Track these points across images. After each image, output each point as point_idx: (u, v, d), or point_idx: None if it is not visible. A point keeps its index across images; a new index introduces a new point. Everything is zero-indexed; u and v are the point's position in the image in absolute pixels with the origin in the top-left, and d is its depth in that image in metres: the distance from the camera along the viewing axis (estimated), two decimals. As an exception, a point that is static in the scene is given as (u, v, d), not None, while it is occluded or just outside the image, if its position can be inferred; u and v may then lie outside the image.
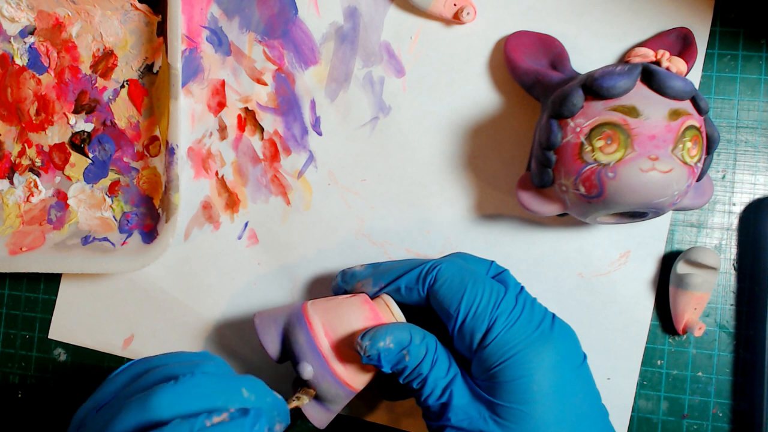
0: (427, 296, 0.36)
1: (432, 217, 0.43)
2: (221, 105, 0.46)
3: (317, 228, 0.45)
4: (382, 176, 0.44)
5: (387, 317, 0.36)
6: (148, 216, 0.47)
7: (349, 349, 0.35)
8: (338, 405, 0.37)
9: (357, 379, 0.36)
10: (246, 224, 0.46)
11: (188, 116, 0.46)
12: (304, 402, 0.36)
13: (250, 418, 0.29)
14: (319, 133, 0.45)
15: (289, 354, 0.37)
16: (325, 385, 0.35)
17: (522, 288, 0.36)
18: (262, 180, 0.45)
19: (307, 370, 0.35)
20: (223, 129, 0.46)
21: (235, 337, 0.46)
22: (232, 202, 0.46)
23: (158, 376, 0.31)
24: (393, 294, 0.37)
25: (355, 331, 0.36)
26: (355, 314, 0.36)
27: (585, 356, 0.35)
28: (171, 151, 0.44)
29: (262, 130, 0.45)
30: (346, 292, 0.39)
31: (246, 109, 0.45)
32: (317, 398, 0.37)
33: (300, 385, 0.37)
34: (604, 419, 0.34)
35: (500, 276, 0.37)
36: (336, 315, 0.36)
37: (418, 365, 0.34)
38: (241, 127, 0.46)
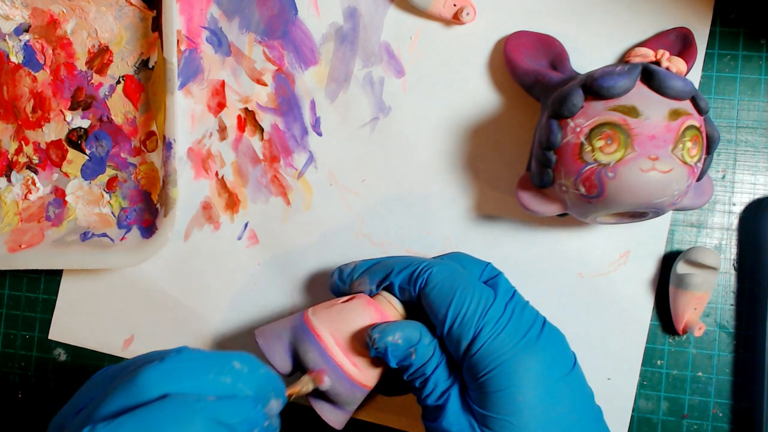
0: (419, 297, 0.36)
1: (432, 217, 0.43)
2: (221, 105, 0.46)
3: (317, 228, 0.45)
4: (382, 176, 0.44)
5: (392, 314, 0.37)
6: (147, 211, 0.47)
7: (360, 351, 0.36)
8: (354, 405, 0.37)
9: (370, 378, 0.36)
10: (246, 225, 0.46)
11: (188, 117, 0.46)
12: (309, 389, 0.35)
13: (252, 398, 0.29)
14: (319, 134, 0.45)
15: (299, 367, 0.36)
16: (342, 391, 0.35)
17: (514, 293, 0.35)
18: (262, 180, 0.45)
19: (326, 382, 0.35)
20: (223, 129, 0.46)
21: (235, 338, 0.46)
22: (232, 203, 0.46)
23: (141, 361, 0.30)
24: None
25: (362, 337, 0.36)
26: (361, 317, 0.36)
27: (575, 361, 0.35)
28: (168, 146, 0.44)
29: (262, 130, 0.45)
30: (342, 291, 0.39)
31: (246, 109, 0.45)
32: (333, 402, 0.36)
33: (313, 395, 0.36)
34: (596, 423, 0.34)
35: (493, 280, 0.36)
36: (343, 322, 0.36)
37: (424, 365, 0.34)
38: (241, 127, 0.46)
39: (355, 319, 0.36)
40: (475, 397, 0.33)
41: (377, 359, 0.36)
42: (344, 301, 0.37)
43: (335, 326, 0.36)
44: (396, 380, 0.40)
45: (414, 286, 0.36)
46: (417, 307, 0.37)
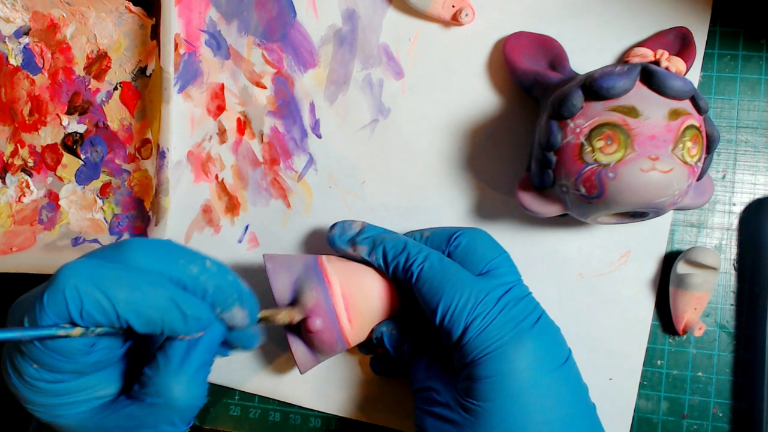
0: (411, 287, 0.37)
1: (432, 218, 0.43)
2: (221, 108, 0.46)
3: (318, 231, 0.45)
4: (382, 178, 0.44)
5: (403, 295, 0.39)
6: (139, 218, 0.47)
7: (358, 310, 0.37)
8: (328, 356, 0.39)
9: (356, 338, 0.38)
10: (246, 227, 0.46)
11: (188, 120, 0.46)
12: (283, 321, 0.36)
13: (210, 302, 0.31)
14: (319, 136, 0.45)
15: (296, 304, 0.37)
16: (327, 339, 0.37)
17: (511, 287, 0.35)
18: (262, 183, 0.45)
19: (317, 324, 0.36)
20: (222, 132, 0.46)
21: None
22: (233, 206, 0.46)
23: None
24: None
25: (369, 301, 0.37)
26: (373, 283, 0.38)
27: (569, 356, 0.35)
28: (162, 155, 0.44)
29: (261, 133, 0.45)
30: (339, 248, 0.40)
31: (245, 112, 0.45)
32: (310, 346, 0.38)
33: (293, 329, 0.38)
34: (586, 419, 0.34)
35: (497, 270, 0.36)
36: (356, 281, 0.37)
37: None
38: (241, 130, 0.46)
39: (367, 282, 0.38)
40: (463, 388, 0.34)
41: (369, 324, 0.38)
42: (361, 265, 0.39)
43: (346, 279, 0.37)
44: (389, 361, 0.41)
45: (405, 277, 0.37)
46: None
